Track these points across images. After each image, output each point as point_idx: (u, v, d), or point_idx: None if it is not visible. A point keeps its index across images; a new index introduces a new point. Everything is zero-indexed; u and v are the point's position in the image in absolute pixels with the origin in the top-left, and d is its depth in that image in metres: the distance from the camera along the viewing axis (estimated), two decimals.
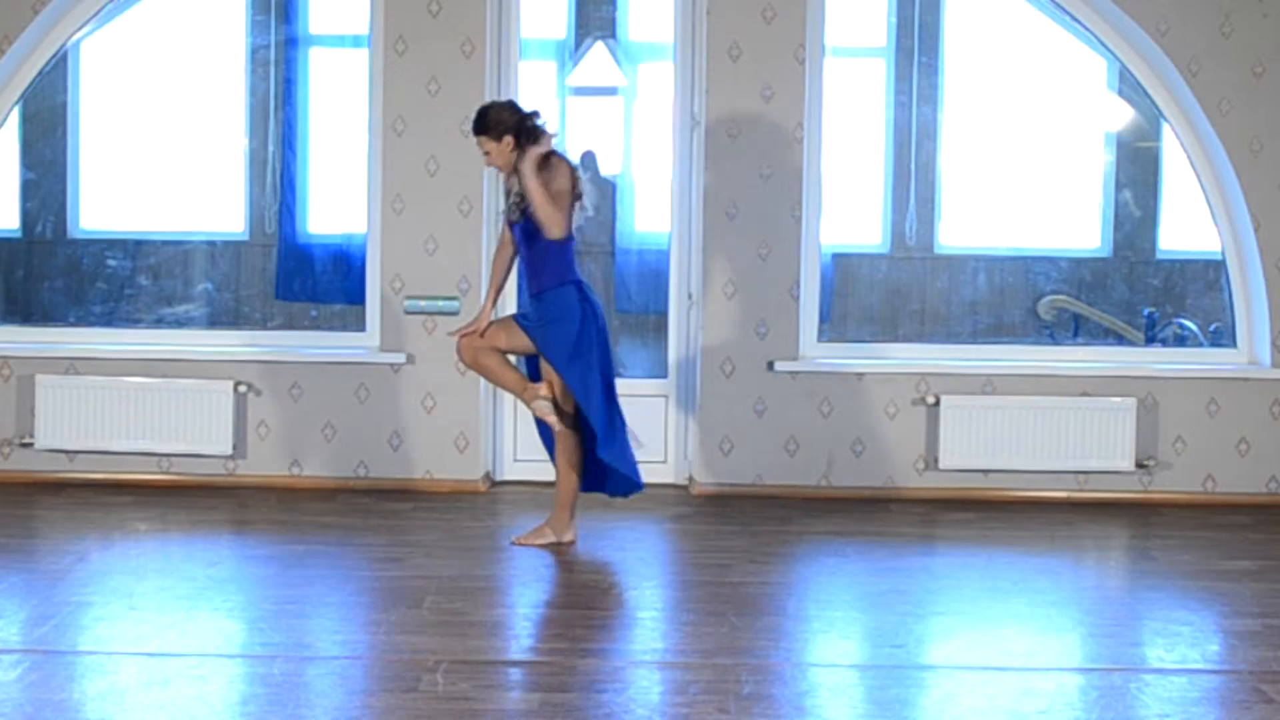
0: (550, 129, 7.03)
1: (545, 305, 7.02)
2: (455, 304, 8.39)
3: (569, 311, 7.00)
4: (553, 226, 6.89)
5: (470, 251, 8.39)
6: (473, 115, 7.12)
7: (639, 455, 7.37)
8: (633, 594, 6.61)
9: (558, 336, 6.99)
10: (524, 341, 7.09)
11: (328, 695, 5.25)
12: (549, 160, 6.97)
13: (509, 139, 6.97)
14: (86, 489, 8.32)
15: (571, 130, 8.93)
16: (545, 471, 7.82)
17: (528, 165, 6.89)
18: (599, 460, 7.12)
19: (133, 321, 9.13)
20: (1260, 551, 7.42)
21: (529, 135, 6.96)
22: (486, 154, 7.05)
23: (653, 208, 8.88)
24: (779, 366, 8.41)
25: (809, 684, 5.47)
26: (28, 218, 9.45)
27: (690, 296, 8.58)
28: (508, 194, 7.14)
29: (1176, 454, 8.47)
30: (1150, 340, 9.21)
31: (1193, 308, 9.27)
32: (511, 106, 7.09)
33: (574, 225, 7.06)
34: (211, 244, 9.38)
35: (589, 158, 8.88)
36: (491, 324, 7.20)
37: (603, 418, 7.00)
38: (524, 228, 7.03)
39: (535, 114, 7.04)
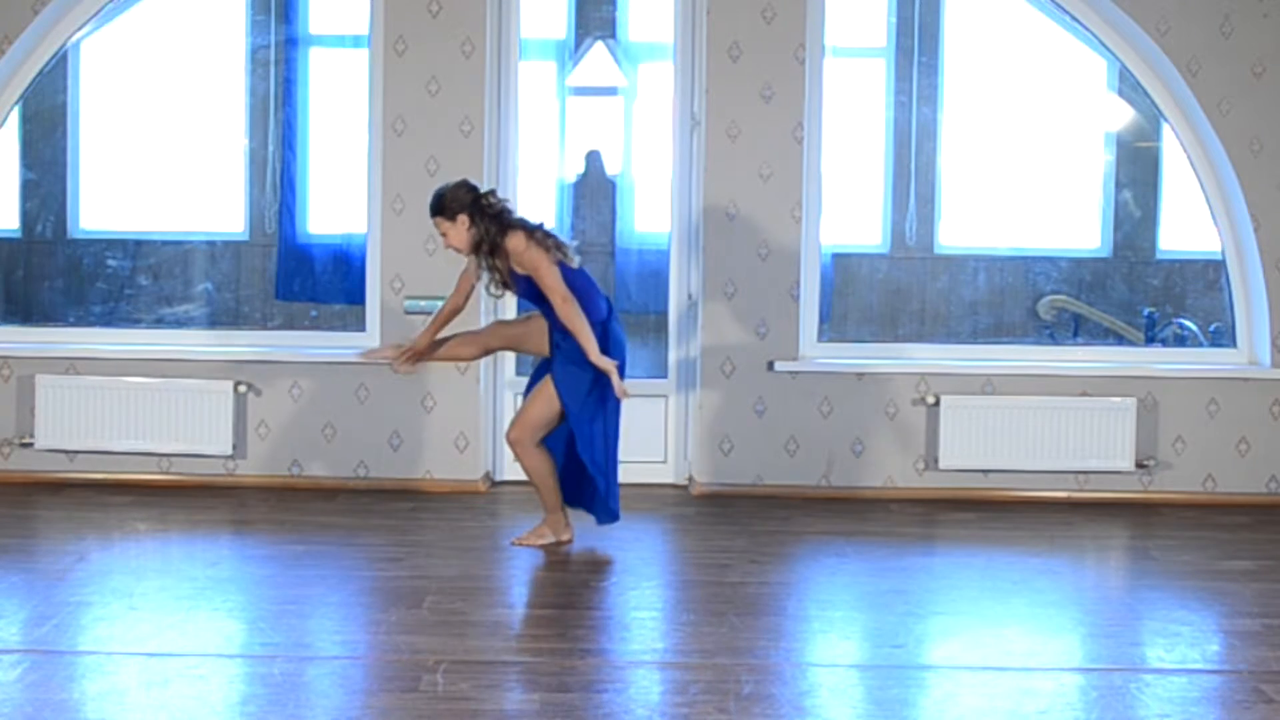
0: (508, 204, 6.97)
1: (570, 347, 7.02)
2: None
3: (588, 359, 7.00)
4: (573, 317, 6.89)
5: None
6: (429, 199, 7.01)
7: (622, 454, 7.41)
8: (633, 594, 6.61)
9: (575, 378, 7.02)
10: (545, 351, 7.14)
11: (328, 695, 5.25)
12: (524, 246, 6.87)
13: (463, 218, 6.90)
14: (86, 489, 8.32)
15: (571, 130, 8.93)
16: None
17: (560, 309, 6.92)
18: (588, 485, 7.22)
19: (133, 321, 9.12)
20: (1260, 551, 7.41)
21: (484, 213, 6.90)
22: (444, 235, 6.98)
23: (653, 208, 8.88)
24: (779, 366, 8.41)
25: (809, 684, 5.46)
26: (28, 218, 9.45)
27: (690, 296, 8.58)
28: (484, 271, 7.04)
29: (1176, 454, 8.47)
30: (1150, 340, 9.21)
31: (1193, 308, 9.27)
32: (466, 185, 6.98)
33: (579, 272, 7.05)
34: (211, 244, 9.38)
35: (594, 157, 8.88)
36: (532, 317, 7.20)
37: (599, 461, 7.09)
38: (527, 294, 7.05)
39: (491, 191, 7.02)
